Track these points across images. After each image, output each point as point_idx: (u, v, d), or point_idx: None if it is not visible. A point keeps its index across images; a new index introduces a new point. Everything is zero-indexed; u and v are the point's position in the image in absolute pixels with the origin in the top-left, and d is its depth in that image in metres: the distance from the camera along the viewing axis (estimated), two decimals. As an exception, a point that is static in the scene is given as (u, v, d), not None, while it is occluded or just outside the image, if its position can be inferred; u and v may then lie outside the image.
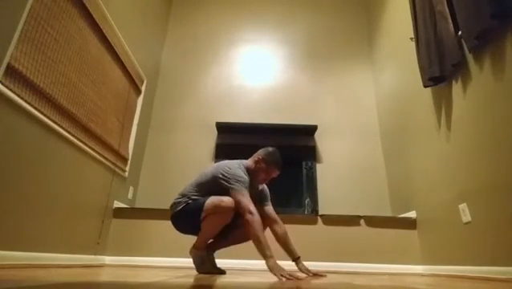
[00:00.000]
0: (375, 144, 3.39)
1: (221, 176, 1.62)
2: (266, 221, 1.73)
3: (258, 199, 1.78)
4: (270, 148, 1.75)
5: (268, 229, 1.74)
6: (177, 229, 1.76)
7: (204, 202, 1.58)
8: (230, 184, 1.57)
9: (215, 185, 1.62)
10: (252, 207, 1.50)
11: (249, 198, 1.54)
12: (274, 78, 3.76)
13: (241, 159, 1.79)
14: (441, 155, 2.19)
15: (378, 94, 3.55)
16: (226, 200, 1.54)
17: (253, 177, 1.71)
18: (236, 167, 1.65)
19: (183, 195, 1.71)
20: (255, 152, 1.80)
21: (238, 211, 1.54)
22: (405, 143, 2.80)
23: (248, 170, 1.70)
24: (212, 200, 1.57)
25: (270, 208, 1.81)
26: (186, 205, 1.65)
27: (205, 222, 1.59)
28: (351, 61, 3.84)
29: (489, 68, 1.74)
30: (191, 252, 1.73)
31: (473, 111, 1.87)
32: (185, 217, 1.66)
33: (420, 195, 2.49)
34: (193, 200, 1.65)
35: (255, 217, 1.48)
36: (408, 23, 2.55)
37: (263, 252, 1.43)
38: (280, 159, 1.72)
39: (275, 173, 1.72)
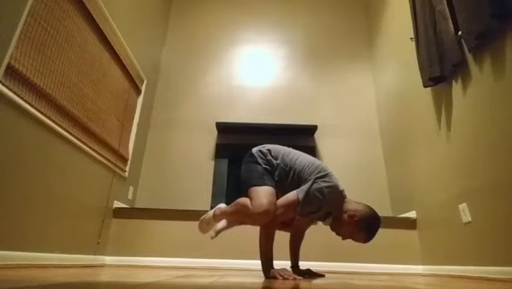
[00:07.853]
0: (375, 144, 3.39)
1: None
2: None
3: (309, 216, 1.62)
4: (377, 217, 1.44)
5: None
6: None
7: None
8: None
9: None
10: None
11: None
12: (274, 78, 3.76)
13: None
14: (441, 155, 2.19)
15: (378, 94, 3.55)
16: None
17: (336, 217, 1.49)
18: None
19: None
20: None
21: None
22: (405, 143, 2.80)
23: (339, 198, 1.48)
24: None
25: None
26: None
27: None
28: (351, 61, 3.84)
29: (489, 68, 1.74)
30: None
31: (473, 111, 1.87)
32: None
33: (420, 195, 2.49)
34: None
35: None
36: (408, 23, 2.54)
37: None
38: (375, 233, 1.44)
39: (358, 240, 1.45)
